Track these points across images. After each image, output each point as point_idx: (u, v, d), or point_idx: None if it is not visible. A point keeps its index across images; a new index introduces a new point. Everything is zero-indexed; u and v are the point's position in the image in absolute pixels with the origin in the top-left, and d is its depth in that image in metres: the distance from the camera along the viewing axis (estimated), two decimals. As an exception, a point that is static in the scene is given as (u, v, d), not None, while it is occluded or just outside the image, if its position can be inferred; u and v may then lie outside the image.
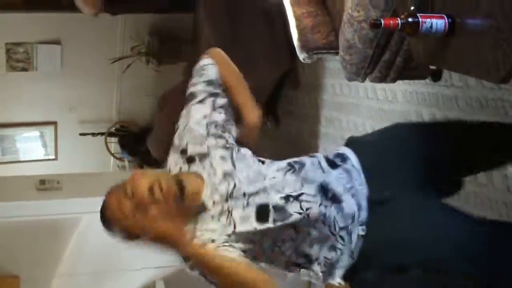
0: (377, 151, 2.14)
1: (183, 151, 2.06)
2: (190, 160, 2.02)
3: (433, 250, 1.92)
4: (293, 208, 1.91)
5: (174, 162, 2.07)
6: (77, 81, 6.54)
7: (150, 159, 5.76)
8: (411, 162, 2.09)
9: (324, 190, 1.96)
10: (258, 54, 4.61)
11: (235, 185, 1.93)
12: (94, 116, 6.91)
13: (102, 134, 6.90)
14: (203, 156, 2.00)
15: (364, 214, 1.99)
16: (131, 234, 1.90)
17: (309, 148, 4.64)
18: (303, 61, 3.31)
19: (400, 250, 1.96)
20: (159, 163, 5.35)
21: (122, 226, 1.88)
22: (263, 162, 2.03)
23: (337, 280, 2.04)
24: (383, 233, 1.97)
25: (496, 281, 1.93)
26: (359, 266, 2.01)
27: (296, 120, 4.98)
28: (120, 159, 7.15)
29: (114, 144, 7.09)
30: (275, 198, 1.92)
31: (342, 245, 1.97)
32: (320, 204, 1.93)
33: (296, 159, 2.06)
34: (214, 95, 2.11)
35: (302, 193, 1.94)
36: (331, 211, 1.94)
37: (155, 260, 4.64)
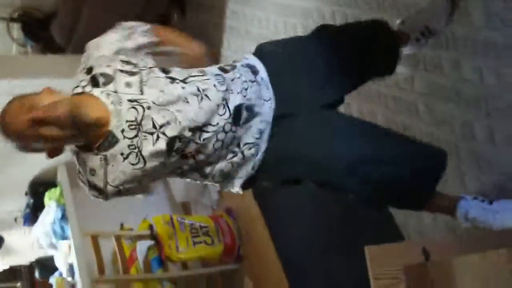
0: (284, 64, 2.19)
1: (89, 70, 1.98)
2: (94, 81, 1.94)
3: (324, 169, 2.05)
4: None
5: (80, 82, 1.98)
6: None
7: (54, 46, 5.65)
8: (316, 74, 2.18)
9: (238, 112, 2.01)
10: None
11: (144, 112, 1.89)
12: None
13: (3, 19, 6.65)
14: (108, 79, 1.93)
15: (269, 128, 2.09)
16: (25, 144, 1.92)
17: (214, 41, 4.69)
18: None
19: (295, 164, 2.08)
20: (62, 49, 5.29)
21: (17, 135, 1.88)
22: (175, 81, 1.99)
23: (236, 189, 2.16)
24: (282, 147, 2.08)
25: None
26: (258, 177, 2.13)
27: (202, 13, 4.99)
28: (23, 45, 6.95)
29: (16, 29, 6.86)
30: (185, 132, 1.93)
31: (242, 159, 2.07)
32: (230, 130, 2.00)
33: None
34: (131, 33, 2.12)
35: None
36: (241, 131, 2.03)
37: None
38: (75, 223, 4.45)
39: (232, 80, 2.04)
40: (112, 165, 1.89)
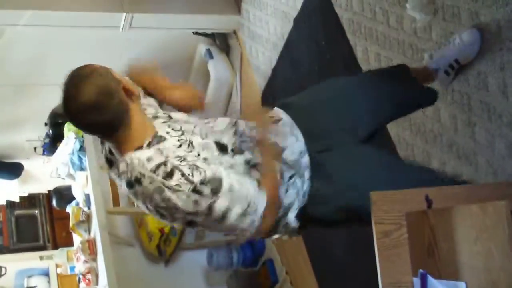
0: (311, 113, 2.22)
1: None
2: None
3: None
4: None
5: None
6: None
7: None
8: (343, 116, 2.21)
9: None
10: None
11: None
12: None
13: None
14: None
15: (306, 158, 2.10)
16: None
17: None
18: None
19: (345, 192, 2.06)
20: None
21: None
22: None
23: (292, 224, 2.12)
24: (327, 176, 2.09)
25: None
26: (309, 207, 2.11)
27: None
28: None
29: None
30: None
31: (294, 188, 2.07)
32: None
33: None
34: None
35: None
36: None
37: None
38: (93, 155, 4.53)
39: None
40: None
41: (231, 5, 4.69)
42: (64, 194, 5.04)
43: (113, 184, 4.32)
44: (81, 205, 4.61)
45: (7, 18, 3.96)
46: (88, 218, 4.54)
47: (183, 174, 1.82)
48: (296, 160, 2.08)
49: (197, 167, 1.85)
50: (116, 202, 4.27)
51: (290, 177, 2.05)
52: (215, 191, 1.83)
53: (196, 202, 1.82)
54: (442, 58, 2.61)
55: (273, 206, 1.98)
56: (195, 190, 1.81)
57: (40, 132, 5.06)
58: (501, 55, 2.43)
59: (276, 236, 2.17)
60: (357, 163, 2.13)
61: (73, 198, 4.77)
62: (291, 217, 2.08)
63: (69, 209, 4.76)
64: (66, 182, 4.93)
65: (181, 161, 1.86)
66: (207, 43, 4.86)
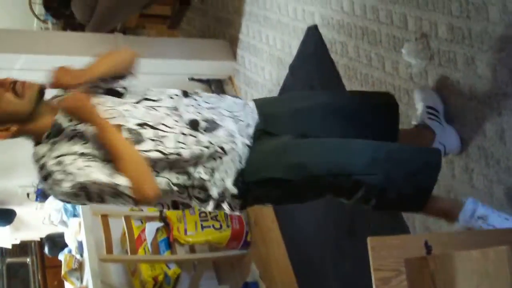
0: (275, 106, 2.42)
1: None
2: None
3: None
4: None
5: None
6: None
7: (74, 23, 5.68)
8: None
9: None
10: None
11: None
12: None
13: (25, -6, 6.70)
14: None
15: (251, 130, 2.25)
16: None
17: (233, 25, 4.69)
18: None
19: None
20: (82, 27, 5.30)
21: None
22: None
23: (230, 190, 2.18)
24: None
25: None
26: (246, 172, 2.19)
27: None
28: (44, 21, 7.00)
29: (38, 5, 6.91)
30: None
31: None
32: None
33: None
34: None
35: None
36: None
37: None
38: (86, 201, 4.49)
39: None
40: None
41: (227, 51, 4.71)
42: (56, 241, 4.99)
43: (106, 231, 4.27)
44: (73, 252, 4.56)
45: (1, 62, 3.96)
46: (81, 266, 4.48)
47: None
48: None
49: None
50: (109, 249, 4.21)
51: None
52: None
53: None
54: (420, 114, 2.67)
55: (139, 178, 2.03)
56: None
57: (33, 178, 5.02)
58: (497, 101, 2.42)
59: (225, 208, 2.21)
60: (300, 142, 2.22)
61: (66, 245, 4.72)
62: (228, 183, 2.14)
63: (61, 256, 4.71)
64: (59, 229, 4.89)
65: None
66: (202, 89, 4.86)
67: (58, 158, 2.04)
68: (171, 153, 2.09)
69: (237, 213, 2.36)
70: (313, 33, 3.66)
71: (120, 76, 2.31)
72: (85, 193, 2.04)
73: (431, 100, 2.65)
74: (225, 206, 2.20)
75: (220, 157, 2.14)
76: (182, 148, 2.10)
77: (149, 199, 2.05)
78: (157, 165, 2.09)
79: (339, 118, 2.35)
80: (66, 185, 2.01)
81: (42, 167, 2.07)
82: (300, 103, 2.39)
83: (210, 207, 2.20)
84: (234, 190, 2.15)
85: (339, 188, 2.12)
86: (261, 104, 2.40)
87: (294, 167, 2.09)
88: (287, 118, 2.33)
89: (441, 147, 2.57)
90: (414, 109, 2.74)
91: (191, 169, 2.12)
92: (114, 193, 2.03)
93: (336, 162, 2.08)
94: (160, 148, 2.08)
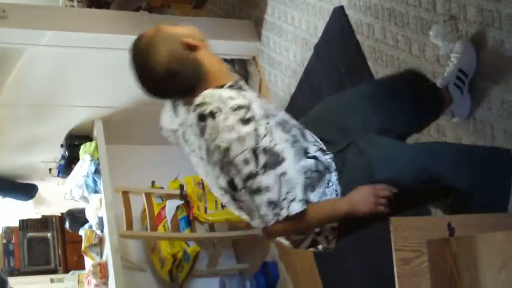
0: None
1: None
2: None
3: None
4: None
5: None
6: None
7: (99, 0, 5.68)
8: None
9: None
10: None
11: None
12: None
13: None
14: None
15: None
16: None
17: (259, 6, 4.65)
18: None
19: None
20: (108, 4, 5.31)
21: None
22: None
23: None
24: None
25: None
26: None
27: None
28: (70, -2, 7.00)
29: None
30: None
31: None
32: None
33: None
34: None
35: None
36: None
37: (96, 100, 4.74)
38: (107, 178, 4.53)
39: None
40: None
41: (252, 32, 4.68)
42: (77, 217, 5.02)
43: (127, 207, 4.29)
44: (94, 228, 4.59)
45: (28, 38, 3.96)
46: (101, 241, 4.51)
47: (255, 130, 1.81)
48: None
49: (272, 134, 1.84)
50: (129, 226, 4.23)
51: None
52: (267, 166, 1.80)
53: (246, 162, 1.80)
54: (448, 74, 2.62)
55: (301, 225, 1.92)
56: (253, 150, 1.79)
57: (55, 153, 5.06)
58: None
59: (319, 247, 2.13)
60: (374, 142, 2.11)
61: (86, 221, 4.75)
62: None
63: (81, 232, 4.74)
64: (80, 204, 4.92)
65: (260, 117, 1.84)
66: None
67: None
68: None
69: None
70: (339, 14, 3.63)
71: None
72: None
73: (467, 62, 2.59)
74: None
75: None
76: None
77: None
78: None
79: (387, 103, 2.30)
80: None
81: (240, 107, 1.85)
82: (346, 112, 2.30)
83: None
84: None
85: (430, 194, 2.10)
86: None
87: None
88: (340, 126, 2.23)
89: (448, 113, 2.61)
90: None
91: None
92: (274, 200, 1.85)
93: (424, 168, 2.04)
94: None
